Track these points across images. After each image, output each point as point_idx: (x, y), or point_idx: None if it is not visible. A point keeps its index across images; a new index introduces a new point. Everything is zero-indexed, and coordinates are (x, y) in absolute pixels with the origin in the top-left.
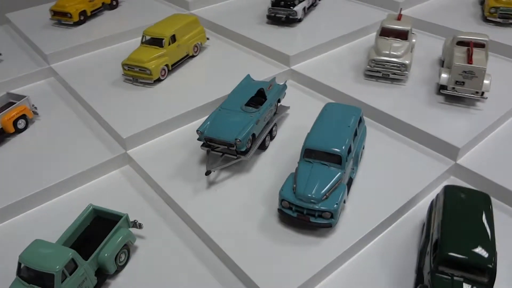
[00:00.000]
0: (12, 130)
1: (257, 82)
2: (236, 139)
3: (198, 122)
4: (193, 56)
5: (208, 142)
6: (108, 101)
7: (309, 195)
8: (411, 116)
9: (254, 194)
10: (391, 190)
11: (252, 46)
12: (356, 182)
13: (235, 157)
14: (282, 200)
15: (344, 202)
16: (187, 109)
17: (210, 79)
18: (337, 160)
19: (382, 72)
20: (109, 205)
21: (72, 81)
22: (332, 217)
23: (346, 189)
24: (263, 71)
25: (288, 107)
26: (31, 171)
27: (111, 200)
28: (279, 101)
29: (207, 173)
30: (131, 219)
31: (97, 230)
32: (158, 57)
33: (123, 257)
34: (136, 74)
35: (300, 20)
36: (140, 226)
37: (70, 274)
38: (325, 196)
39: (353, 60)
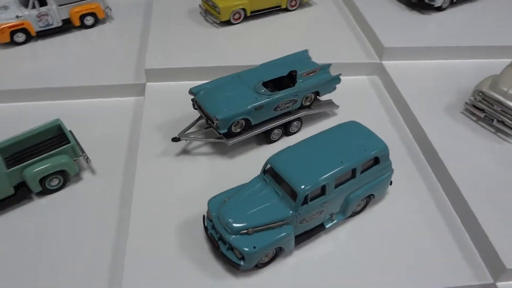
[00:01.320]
0: (77, 23)
1: (307, 61)
2: (214, 117)
3: None
4: (287, 10)
5: (198, 107)
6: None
7: (226, 220)
8: None
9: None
10: None
11: (358, 21)
12: None
13: (217, 136)
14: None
15: (281, 249)
16: (234, 63)
17: (287, 42)
18: (293, 196)
19: (487, 113)
20: None
21: None
22: (243, 258)
23: (289, 235)
24: (346, 54)
25: (337, 106)
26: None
27: None
28: (317, 93)
29: (174, 139)
30: None
31: (50, 147)
32: None
33: (55, 182)
34: (208, 8)
35: (440, 9)
36: (87, 161)
37: None
38: (245, 231)
39: (464, 82)
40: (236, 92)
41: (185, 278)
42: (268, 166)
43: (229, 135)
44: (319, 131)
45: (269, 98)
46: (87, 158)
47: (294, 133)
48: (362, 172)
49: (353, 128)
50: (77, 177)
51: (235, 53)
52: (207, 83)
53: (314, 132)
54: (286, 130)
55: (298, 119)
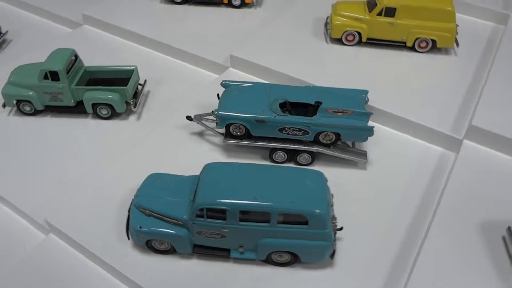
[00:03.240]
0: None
1: (354, 102)
2: (212, 111)
3: None
4: (415, 50)
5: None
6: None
7: (138, 192)
8: None
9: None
10: None
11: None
12: None
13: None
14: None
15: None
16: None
17: (389, 82)
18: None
19: None
20: None
21: None
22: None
23: (180, 237)
24: (432, 116)
25: (364, 160)
26: None
27: None
28: (338, 136)
29: (188, 117)
30: None
31: (116, 84)
32: (355, 18)
33: (104, 111)
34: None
35: None
36: (132, 107)
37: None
38: (143, 209)
39: None
40: (253, 99)
41: None
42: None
43: (229, 134)
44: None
45: (273, 116)
46: (134, 104)
47: (305, 165)
48: (281, 222)
49: (312, 178)
50: (126, 115)
51: (336, 75)
52: (241, 82)
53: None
54: (294, 158)
55: (310, 152)
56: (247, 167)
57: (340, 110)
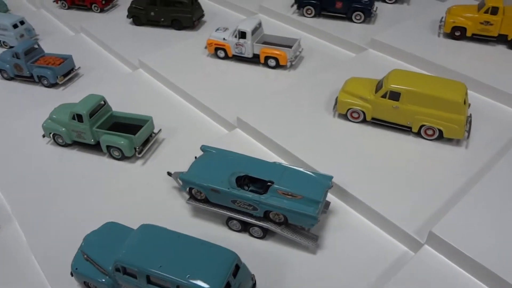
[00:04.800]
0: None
1: (314, 187)
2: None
3: None
4: (421, 136)
5: None
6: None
7: (86, 236)
8: None
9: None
10: None
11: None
12: None
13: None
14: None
15: None
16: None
17: (377, 171)
18: None
19: None
20: None
21: None
22: None
23: (103, 284)
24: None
25: (312, 245)
26: None
27: None
28: (285, 220)
29: (169, 173)
30: None
31: (131, 131)
32: (360, 97)
33: (116, 153)
34: None
35: None
36: (138, 153)
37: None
38: (84, 254)
39: None
40: (218, 169)
41: None
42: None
43: (193, 196)
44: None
45: (227, 188)
46: (139, 151)
47: (257, 238)
48: None
49: (221, 257)
50: (135, 158)
51: (328, 152)
52: (219, 149)
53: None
54: (247, 229)
55: (263, 227)
56: (173, 235)
57: (290, 193)
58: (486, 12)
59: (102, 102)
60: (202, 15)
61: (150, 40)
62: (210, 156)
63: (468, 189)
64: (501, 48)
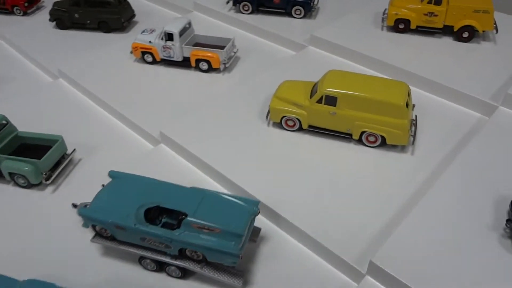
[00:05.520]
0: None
1: (234, 215)
2: (79, 204)
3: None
4: (363, 144)
5: None
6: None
7: None
8: None
9: None
10: None
11: None
12: None
13: None
14: None
15: None
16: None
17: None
18: None
19: None
20: None
21: None
22: None
23: None
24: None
25: (240, 281)
26: None
27: None
28: (204, 258)
29: (74, 205)
30: None
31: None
32: (294, 103)
33: (21, 181)
34: None
35: None
36: (47, 179)
37: None
38: None
39: None
40: (125, 200)
41: None
42: None
43: (98, 234)
44: None
45: (133, 224)
46: (47, 177)
47: (177, 278)
48: None
49: None
50: (44, 185)
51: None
52: (129, 174)
53: None
54: (163, 269)
55: (181, 267)
56: None
57: (206, 227)
58: (429, 2)
59: (4, 122)
60: (133, 16)
61: (75, 45)
62: (118, 184)
63: (414, 203)
64: (447, 40)
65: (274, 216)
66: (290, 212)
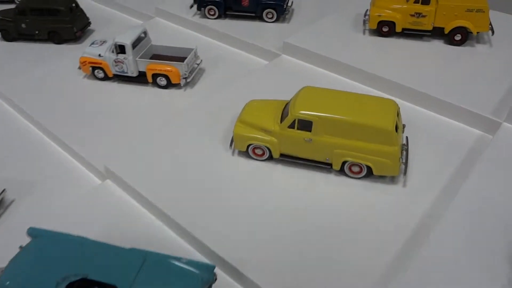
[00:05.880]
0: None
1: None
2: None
3: None
4: (345, 174)
5: None
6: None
7: None
8: None
9: None
10: None
11: None
12: None
13: None
14: None
15: None
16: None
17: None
18: None
19: None
20: None
21: None
22: None
23: None
24: None
25: None
26: None
27: None
28: None
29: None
30: None
31: None
32: (262, 129)
33: None
34: None
35: None
36: None
37: None
38: None
39: None
40: (46, 267)
41: None
42: None
43: None
44: None
45: None
46: None
47: None
48: None
49: None
50: None
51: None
52: (54, 232)
53: None
54: None
55: None
56: None
57: None
58: (416, 1)
59: None
60: (88, 24)
61: (22, 60)
62: (39, 246)
63: (412, 251)
64: (438, 44)
65: (237, 275)
66: (258, 272)
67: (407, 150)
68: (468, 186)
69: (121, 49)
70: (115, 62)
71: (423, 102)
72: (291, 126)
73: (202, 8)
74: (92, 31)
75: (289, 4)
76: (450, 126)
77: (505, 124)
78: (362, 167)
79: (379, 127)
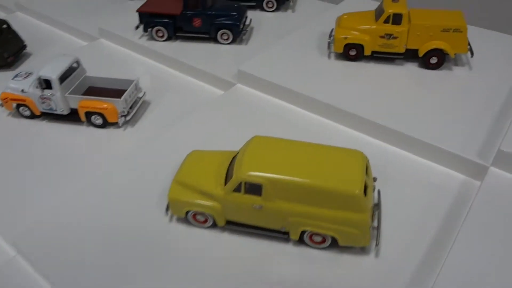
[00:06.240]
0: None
1: None
2: None
3: None
4: (306, 244)
5: None
6: None
7: None
8: None
9: None
10: None
11: None
12: None
13: None
14: None
15: None
16: None
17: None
18: None
19: None
20: None
21: None
22: None
23: None
24: None
25: None
26: None
27: None
28: None
29: None
30: None
31: None
32: (202, 192)
33: None
34: None
35: None
36: None
37: None
38: None
39: None
40: None
41: None
42: None
43: None
44: None
45: None
46: None
47: None
48: None
49: None
50: None
51: None
52: None
53: None
54: None
55: None
56: None
57: None
58: (386, 21)
59: None
60: (23, 47)
61: None
62: None
63: None
64: (411, 69)
65: None
66: None
67: (379, 212)
68: (456, 254)
69: (46, 84)
70: (41, 99)
71: (396, 141)
72: (237, 189)
73: (149, 29)
74: (29, 54)
75: (247, 22)
76: (429, 169)
77: (492, 168)
78: (326, 237)
79: (344, 192)
